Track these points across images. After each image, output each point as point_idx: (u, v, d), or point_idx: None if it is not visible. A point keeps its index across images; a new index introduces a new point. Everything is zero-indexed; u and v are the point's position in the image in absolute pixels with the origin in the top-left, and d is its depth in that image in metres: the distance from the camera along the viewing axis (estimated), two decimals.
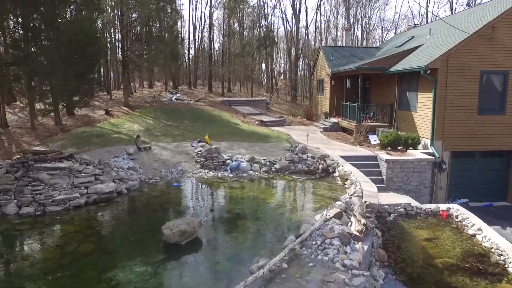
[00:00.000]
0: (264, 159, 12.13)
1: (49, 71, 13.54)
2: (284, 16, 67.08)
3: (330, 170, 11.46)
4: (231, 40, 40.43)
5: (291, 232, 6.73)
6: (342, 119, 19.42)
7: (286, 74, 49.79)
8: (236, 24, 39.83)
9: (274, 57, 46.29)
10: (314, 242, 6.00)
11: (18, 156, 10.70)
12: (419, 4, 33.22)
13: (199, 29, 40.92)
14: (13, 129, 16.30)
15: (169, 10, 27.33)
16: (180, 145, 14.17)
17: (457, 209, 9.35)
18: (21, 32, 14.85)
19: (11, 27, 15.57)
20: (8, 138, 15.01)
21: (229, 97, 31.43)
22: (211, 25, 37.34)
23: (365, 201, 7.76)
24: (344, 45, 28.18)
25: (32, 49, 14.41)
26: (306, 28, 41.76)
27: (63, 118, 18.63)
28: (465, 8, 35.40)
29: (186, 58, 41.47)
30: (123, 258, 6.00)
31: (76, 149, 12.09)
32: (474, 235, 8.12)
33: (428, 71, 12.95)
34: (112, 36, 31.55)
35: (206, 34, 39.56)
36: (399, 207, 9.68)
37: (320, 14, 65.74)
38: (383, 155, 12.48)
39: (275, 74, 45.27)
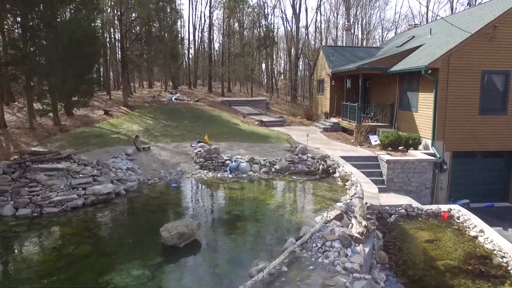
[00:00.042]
0: (264, 160, 12.05)
1: (47, 70, 13.47)
2: (284, 16, 67.23)
3: (331, 170, 11.38)
4: (231, 40, 40.35)
5: (291, 234, 6.64)
6: (342, 119, 19.34)
7: (286, 74, 49.72)
8: (236, 24, 39.75)
9: (274, 57, 46.26)
10: (314, 245, 5.92)
11: (15, 157, 10.61)
12: (419, 3, 33.10)
13: (199, 29, 40.91)
14: (11, 129, 16.21)
15: (168, 10, 27.30)
16: (179, 145, 14.08)
17: (458, 210, 9.27)
18: (19, 31, 14.78)
19: (10, 27, 15.50)
20: (6, 138, 14.92)
21: (229, 97, 31.33)
22: (211, 25, 37.29)
23: (366, 203, 7.68)
24: (344, 45, 28.12)
25: (31, 49, 14.34)
26: (306, 28, 41.77)
27: (62, 118, 18.56)
28: (465, 7, 35.35)
29: (186, 58, 41.42)
30: (121, 261, 5.91)
31: (74, 149, 12.00)
32: (476, 237, 8.04)
33: (429, 71, 12.88)
34: (112, 36, 31.53)
35: (206, 34, 39.50)
36: (400, 208, 9.61)
37: (320, 14, 65.75)
38: (384, 156, 12.41)
39: (275, 74, 45.19)
